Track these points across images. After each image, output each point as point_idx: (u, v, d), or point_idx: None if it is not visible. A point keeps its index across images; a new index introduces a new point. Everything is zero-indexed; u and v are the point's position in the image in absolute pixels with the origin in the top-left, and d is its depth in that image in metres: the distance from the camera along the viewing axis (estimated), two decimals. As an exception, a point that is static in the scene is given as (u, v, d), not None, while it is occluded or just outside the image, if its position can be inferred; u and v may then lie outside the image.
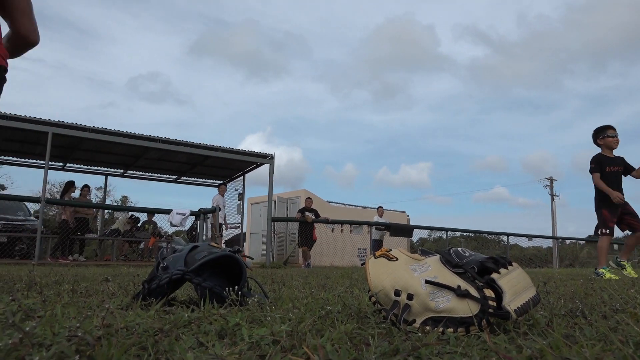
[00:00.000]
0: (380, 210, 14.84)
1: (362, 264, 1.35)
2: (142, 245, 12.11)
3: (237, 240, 13.26)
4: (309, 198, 12.92)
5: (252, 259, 10.40)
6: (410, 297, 1.06)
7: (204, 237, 11.03)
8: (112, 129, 10.70)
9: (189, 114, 74.19)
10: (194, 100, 73.80)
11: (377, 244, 13.88)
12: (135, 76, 70.74)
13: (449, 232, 16.50)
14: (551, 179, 38.16)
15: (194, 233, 11.41)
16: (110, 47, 69.25)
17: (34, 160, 12.68)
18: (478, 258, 1.11)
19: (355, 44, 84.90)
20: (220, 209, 10.78)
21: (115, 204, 31.02)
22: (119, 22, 72.61)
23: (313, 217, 12.32)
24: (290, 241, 16.58)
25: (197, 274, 1.25)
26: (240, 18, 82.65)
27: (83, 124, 10.20)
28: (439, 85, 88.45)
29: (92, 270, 5.15)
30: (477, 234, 21.67)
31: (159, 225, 12.83)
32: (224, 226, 11.29)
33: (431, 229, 21.23)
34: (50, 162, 10.61)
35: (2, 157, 12.53)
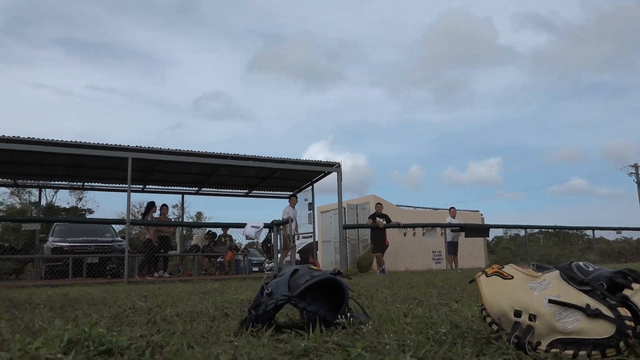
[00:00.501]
0: (452, 211, 14.45)
1: (470, 281, 1.28)
2: (220, 259, 12.53)
3: (310, 250, 13.40)
4: (379, 203, 12.83)
5: (342, 273, 10.44)
6: (532, 317, 1.00)
7: (278, 248, 11.23)
8: (186, 150, 11.15)
9: (252, 128, 76.25)
10: (256, 114, 75.79)
11: (452, 246, 13.51)
12: (199, 97, 73.76)
13: (527, 230, 15.75)
14: (636, 166, 35.56)
15: (268, 245, 11.64)
16: (175, 71, 72.75)
17: (117, 185, 13.51)
18: (605, 273, 1.03)
19: (410, 44, 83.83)
20: (292, 220, 10.92)
21: (191, 219, 32.34)
22: (181, 46, 76.14)
23: (384, 222, 12.21)
24: (362, 247, 16.52)
25: (301, 298, 1.26)
26: (294, 31, 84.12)
27: (159, 147, 10.70)
28: (502, 78, 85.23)
29: (180, 287, 5.37)
30: (558, 230, 20.55)
31: (234, 238, 13.23)
32: (296, 236, 11.44)
33: (508, 227, 20.35)
34: (132, 185, 11.24)
35: (88, 183, 13.45)
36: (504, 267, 1.15)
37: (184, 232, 16.16)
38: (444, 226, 13.79)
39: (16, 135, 9.30)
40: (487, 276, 1.15)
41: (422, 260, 14.65)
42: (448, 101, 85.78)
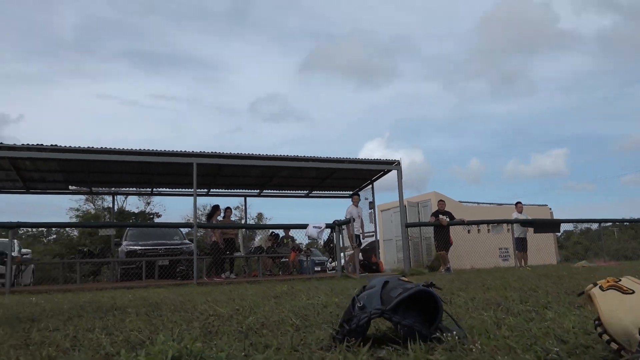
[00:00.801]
0: (519, 206, 13.88)
1: (579, 294, 1.19)
2: (284, 259, 12.71)
3: (374, 249, 13.32)
4: (441, 200, 12.54)
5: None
6: (660, 337, 0.92)
7: (341, 248, 11.23)
8: (247, 153, 11.39)
9: (309, 128, 76.83)
10: (311, 115, 76.28)
11: (520, 242, 12.98)
12: (255, 100, 75.20)
13: (602, 224, 14.86)
14: None
15: (330, 245, 11.67)
16: (232, 75, 74.54)
17: (183, 189, 14.03)
18: None
19: (465, 35, 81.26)
20: (354, 220, 10.89)
21: (252, 221, 33.05)
22: (237, 51, 77.91)
23: (448, 219, 11.93)
24: (425, 246, 16.23)
25: (394, 311, 1.23)
26: (346, 29, 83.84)
27: (222, 152, 10.99)
28: (565, 64, 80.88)
29: (249, 289, 5.47)
30: (634, 222, 19.28)
31: (296, 239, 13.39)
32: (361, 236, 11.40)
33: (580, 221, 19.27)
34: (197, 190, 11.62)
35: (157, 189, 14.05)
36: (620, 280, 1.07)
37: (247, 232, 16.55)
38: (510, 222, 13.29)
39: (90, 146, 9.83)
40: (603, 290, 1.07)
41: (489, 258, 14.18)
42: (507, 91, 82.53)
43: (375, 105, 76.59)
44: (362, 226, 11.60)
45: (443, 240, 11.87)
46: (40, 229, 29.49)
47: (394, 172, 12.58)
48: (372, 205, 14.34)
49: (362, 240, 11.60)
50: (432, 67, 78.81)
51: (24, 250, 12.88)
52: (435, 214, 12.11)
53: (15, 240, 10.32)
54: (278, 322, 1.94)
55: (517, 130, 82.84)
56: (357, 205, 11.76)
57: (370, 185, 14.19)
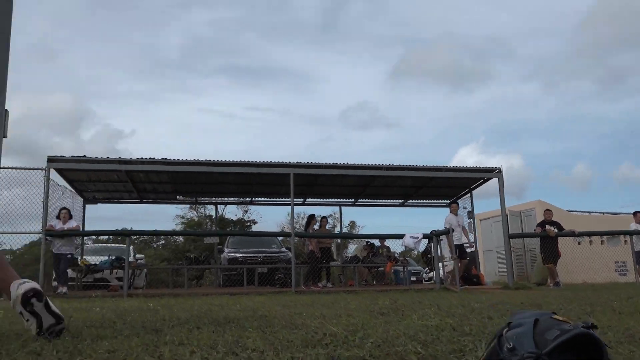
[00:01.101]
0: (638, 216, 12.60)
1: None
2: (380, 268, 12.59)
3: (473, 260, 12.75)
4: (548, 210, 11.73)
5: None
6: None
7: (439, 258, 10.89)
8: (342, 163, 11.44)
9: (399, 136, 75.85)
10: (402, 122, 75.25)
11: (641, 256, 11.77)
12: (345, 108, 75.76)
13: None
14: None
15: (428, 256, 11.36)
16: (323, 85, 75.79)
17: (280, 199, 14.43)
18: None
19: (565, 32, 75.73)
20: (453, 230, 10.50)
21: (345, 229, 33.21)
22: (328, 61, 79.18)
23: (556, 230, 11.13)
24: (529, 258, 15.29)
25: (550, 355, 1.11)
26: (436, 33, 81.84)
27: (318, 162, 11.14)
28: (688, 56, 72.47)
29: (350, 301, 5.44)
30: None
31: (392, 249, 13.19)
32: (464, 245, 11.01)
33: None
34: (294, 199, 11.87)
35: (255, 198, 14.58)
36: None
37: (341, 241, 16.61)
38: (629, 234, 12.09)
39: (196, 159, 10.42)
40: None
41: (603, 272, 13.01)
42: (616, 90, 75.61)
43: (469, 110, 73.84)
44: (466, 235, 11.20)
45: (551, 252, 11.10)
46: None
47: (493, 180, 12.01)
48: (470, 214, 13.78)
49: (466, 250, 11.18)
50: (530, 68, 74.45)
51: (138, 256, 13.93)
52: (542, 224, 11.35)
53: (131, 247, 11.18)
54: (401, 353, 1.85)
55: (630, 132, 75.64)
56: (456, 214, 11.36)
57: (469, 194, 13.64)
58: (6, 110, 8.86)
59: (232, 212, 31.77)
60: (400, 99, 75.65)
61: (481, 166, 12.07)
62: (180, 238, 31.31)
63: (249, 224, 32.64)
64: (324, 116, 74.20)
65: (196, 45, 73.68)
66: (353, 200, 14.67)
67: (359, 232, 34.12)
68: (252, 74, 74.25)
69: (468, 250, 11.66)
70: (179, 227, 30.68)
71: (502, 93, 73.76)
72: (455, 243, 10.46)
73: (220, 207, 30.91)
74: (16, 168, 9.56)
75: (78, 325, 3.06)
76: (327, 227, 12.47)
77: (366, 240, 12.83)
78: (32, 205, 9.55)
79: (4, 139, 8.74)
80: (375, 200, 14.97)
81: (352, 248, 18.34)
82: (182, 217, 31.67)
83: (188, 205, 29.95)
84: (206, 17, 74.08)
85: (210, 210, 29.72)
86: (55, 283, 9.73)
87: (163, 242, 33.24)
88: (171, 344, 2.20)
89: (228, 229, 28.89)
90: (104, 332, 2.65)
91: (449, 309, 4.03)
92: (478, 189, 13.39)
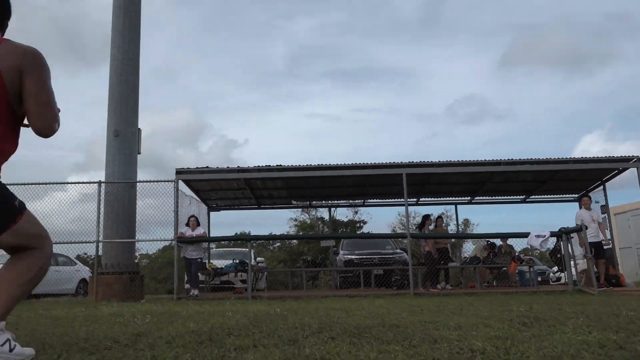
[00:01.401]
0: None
1: None
2: (504, 268, 11.87)
3: (611, 259, 11.51)
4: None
5: None
6: None
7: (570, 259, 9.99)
8: (456, 160, 10.98)
9: (511, 128, 71.58)
10: (514, 113, 70.85)
11: None
12: (451, 103, 73.15)
13: None
14: None
15: (558, 255, 10.47)
16: (427, 81, 74.00)
17: (392, 199, 14.26)
18: None
19: None
20: (586, 227, 9.57)
21: (460, 228, 32.00)
22: (433, 56, 77.13)
23: None
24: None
25: None
26: (548, 16, 75.89)
27: (430, 161, 10.80)
28: None
29: (480, 305, 5.13)
30: None
31: (515, 249, 12.40)
32: (602, 242, 10.01)
33: None
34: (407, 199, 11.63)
35: (368, 200, 14.54)
36: None
37: (457, 241, 15.96)
38: None
39: (309, 164, 10.63)
40: None
41: None
42: None
43: (591, 95, 67.60)
44: (603, 231, 10.18)
45: None
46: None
47: (631, 170, 10.79)
48: (604, 209, 12.49)
49: (604, 248, 10.14)
50: (666, 41, 66.13)
51: (259, 259, 14.58)
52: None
53: (252, 250, 11.70)
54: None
55: None
56: (589, 209, 10.36)
57: (602, 187, 12.38)
58: (139, 128, 9.74)
59: (342, 213, 32.12)
60: (511, 88, 71.40)
61: (612, 155, 10.90)
62: (295, 240, 32.37)
63: (359, 224, 32.78)
64: (430, 112, 72.48)
65: (300, 52, 75.88)
66: (469, 198, 14.04)
67: (473, 231, 32.70)
68: (355, 76, 74.74)
69: (605, 248, 10.56)
70: (292, 230, 31.70)
71: (630, 73, 66.38)
72: (590, 240, 9.53)
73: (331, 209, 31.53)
74: (150, 181, 10.47)
75: (219, 333, 3.20)
76: (444, 228, 12.04)
77: (486, 239, 12.17)
78: (162, 213, 10.38)
79: (138, 155, 9.47)
80: (494, 198, 14.19)
81: (471, 247, 17.55)
82: (295, 220, 32.71)
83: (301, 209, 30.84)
84: (308, 24, 76.03)
85: (322, 212, 30.30)
86: (187, 285, 10.48)
87: (279, 244, 34.56)
88: (311, 357, 2.19)
89: (340, 231, 29.29)
90: (245, 341, 2.72)
91: (600, 319, 3.62)
92: (613, 180, 12.12)
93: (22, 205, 2.18)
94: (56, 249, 13.00)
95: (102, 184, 9.98)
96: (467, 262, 12.23)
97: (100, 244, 9.85)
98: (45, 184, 10.41)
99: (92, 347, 2.61)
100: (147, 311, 5.53)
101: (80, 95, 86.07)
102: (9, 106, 2.10)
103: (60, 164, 71.16)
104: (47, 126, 2.17)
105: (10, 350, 2.03)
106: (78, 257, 16.40)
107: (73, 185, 11.13)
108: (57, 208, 10.21)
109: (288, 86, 77.50)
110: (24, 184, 10.16)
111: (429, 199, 14.25)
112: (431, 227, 11.19)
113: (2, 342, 2.01)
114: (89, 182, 10.42)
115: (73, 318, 4.70)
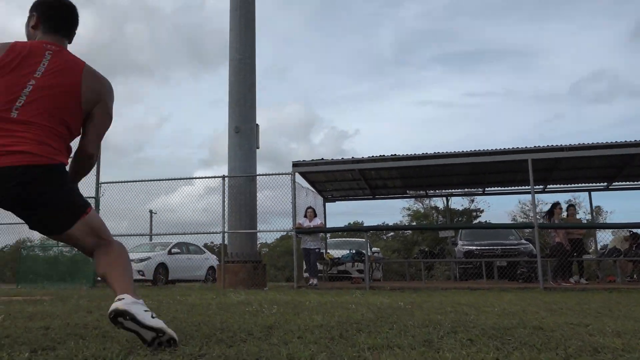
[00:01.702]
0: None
1: None
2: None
3: None
4: None
5: None
6: None
7: None
8: (590, 143, 9.95)
9: (651, 103, 63.55)
10: (654, 86, 62.84)
11: None
12: (576, 81, 66.78)
13: None
14: None
15: None
16: (547, 60, 68.34)
17: (515, 187, 13.36)
18: None
19: None
20: None
21: (589, 216, 29.26)
22: (554, 32, 71.04)
23: None
24: None
25: None
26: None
27: (560, 145, 9.91)
28: None
29: (625, 302, 4.55)
30: None
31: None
32: None
33: None
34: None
35: (487, 188, 13.79)
36: None
37: (589, 231, 14.55)
38: None
39: (425, 152, 10.30)
40: None
41: None
42: None
43: None
44: None
45: None
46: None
47: None
48: None
49: None
50: None
51: (375, 249, 14.56)
52: None
53: (368, 241, 11.68)
54: None
55: None
56: None
57: None
58: (257, 124, 10.08)
59: (457, 202, 31.02)
60: (650, 58, 63.31)
61: None
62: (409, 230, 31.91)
63: (475, 213, 31.40)
64: (552, 93, 67.05)
65: (409, 39, 74.23)
66: (606, 184, 12.69)
67: (606, 220, 29.72)
68: (467, 59, 71.50)
69: None
70: (405, 219, 31.30)
71: None
72: None
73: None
74: (268, 174, 10.92)
75: (348, 329, 3.16)
76: (577, 217, 11.00)
77: (629, 229, 10.90)
78: (280, 204, 10.77)
79: (257, 150, 9.84)
80: (635, 183, 12.69)
81: (607, 238, 15.89)
82: (409, 209, 32.22)
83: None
84: (415, 10, 73.94)
85: (436, 201, 29.49)
86: (306, 274, 10.76)
87: (392, 234, 34.33)
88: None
89: (455, 220, 28.28)
90: (377, 340, 2.63)
91: None
92: None
93: (88, 203, 2.33)
94: (186, 238, 14.18)
95: (225, 178, 10.58)
96: (605, 254, 11.09)
97: (226, 234, 10.46)
98: (175, 179, 11.30)
99: (229, 339, 2.69)
100: (273, 300, 5.71)
101: (201, 96, 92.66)
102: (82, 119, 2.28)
103: (188, 161, 77.41)
104: (94, 156, 2.35)
105: (152, 317, 2.11)
106: (205, 246, 17.67)
107: (199, 180, 11.97)
108: (186, 201, 11.07)
109: (397, 74, 76.45)
110: (158, 180, 11.12)
111: (557, 185, 13.13)
112: (563, 215, 10.29)
113: (145, 309, 2.11)
114: (214, 177, 11.13)
115: (207, 306, 4.98)
